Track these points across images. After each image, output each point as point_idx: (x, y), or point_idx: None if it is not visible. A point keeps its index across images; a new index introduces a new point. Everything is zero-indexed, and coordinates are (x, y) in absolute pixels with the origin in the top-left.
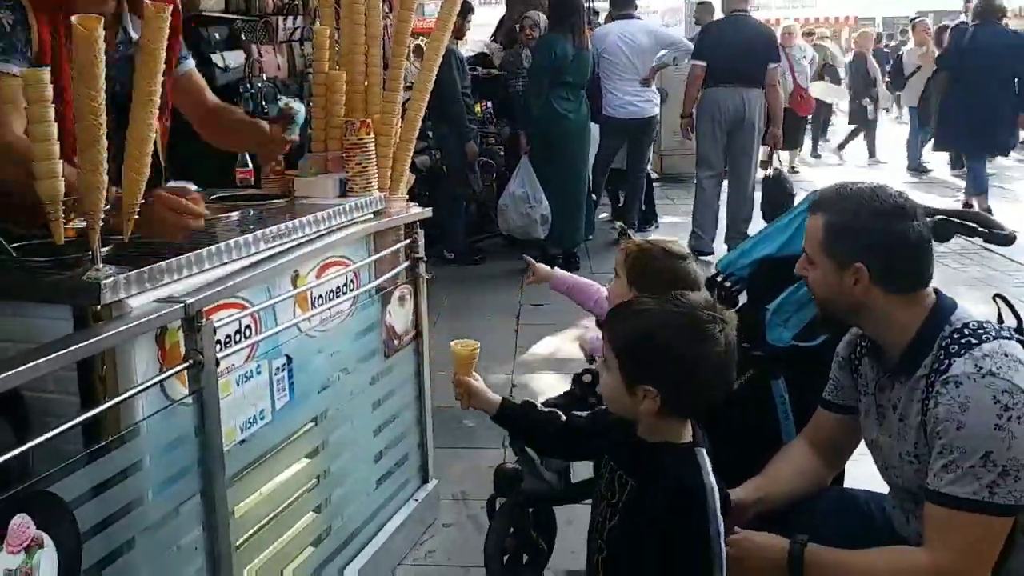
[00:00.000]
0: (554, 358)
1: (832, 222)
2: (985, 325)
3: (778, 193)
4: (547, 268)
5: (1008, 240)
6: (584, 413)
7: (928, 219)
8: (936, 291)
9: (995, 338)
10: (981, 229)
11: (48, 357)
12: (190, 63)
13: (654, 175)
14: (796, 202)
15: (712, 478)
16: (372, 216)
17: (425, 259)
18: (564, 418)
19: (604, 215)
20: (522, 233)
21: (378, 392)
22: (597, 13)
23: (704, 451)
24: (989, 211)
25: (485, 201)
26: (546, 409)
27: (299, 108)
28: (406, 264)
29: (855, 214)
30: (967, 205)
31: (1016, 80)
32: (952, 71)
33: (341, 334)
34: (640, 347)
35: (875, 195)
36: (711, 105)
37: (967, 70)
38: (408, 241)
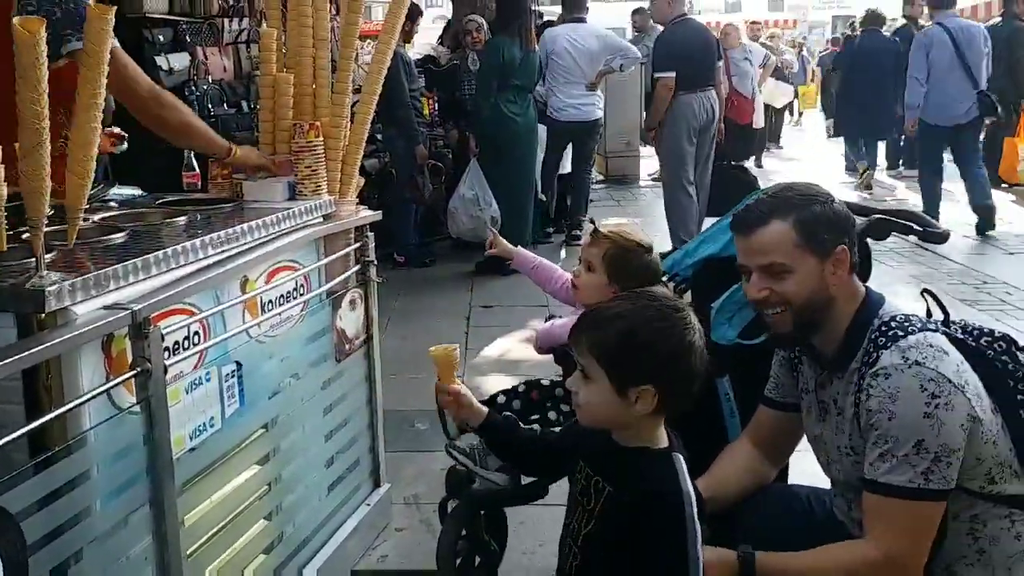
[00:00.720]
0: (505, 359)
1: (805, 217)
2: (911, 318)
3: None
4: (509, 245)
5: (942, 238)
6: (557, 430)
7: (865, 218)
8: (866, 287)
9: (920, 330)
10: (916, 228)
11: None
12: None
13: (599, 177)
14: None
15: (690, 484)
16: (322, 220)
17: (375, 262)
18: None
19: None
20: (472, 235)
21: (329, 397)
22: (542, 16)
23: (681, 457)
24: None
25: (434, 204)
26: (527, 428)
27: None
28: (356, 268)
29: (821, 204)
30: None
31: (895, 76)
32: (844, 70)
33: (291, 339)
34: (627, 349)
35: (814, 188)
36: (685, 111)
37: (855, 69)
38: (358, 244)
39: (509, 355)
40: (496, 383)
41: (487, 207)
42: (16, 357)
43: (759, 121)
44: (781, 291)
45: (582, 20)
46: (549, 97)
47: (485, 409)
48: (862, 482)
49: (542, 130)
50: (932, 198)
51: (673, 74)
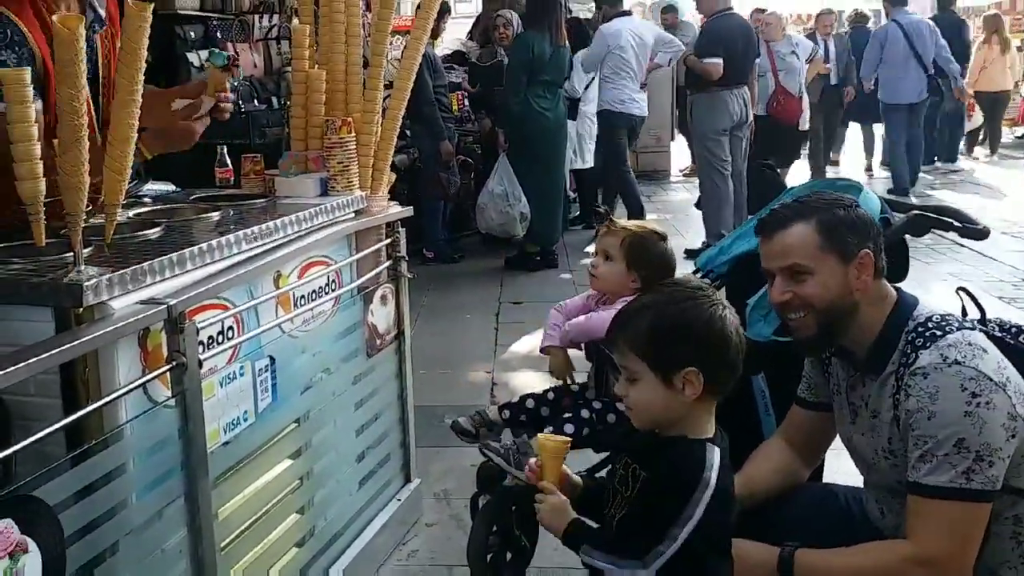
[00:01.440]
0: (533, 356)
1: (827, 220)
2: (948, 317)
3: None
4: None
5: (982, 234)
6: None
7: (903, 215)
8: (897, 289)
9: (958, 329)
10: (956, 224)
11: (30, 360)
12: None
13: None
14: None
15: (714, 474)
16: (353, 215)
17: (406, 258)
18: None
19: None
20: (501, 231)
21: (360, 392)
22: (571, 11)
23: (716, 449)
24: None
25: (463, 199)
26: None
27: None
28: (388, 263)
29: (844, 208)
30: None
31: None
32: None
33: (323, 334)
34: (669, 334)
35: (839, 194)
36: (722, 107)
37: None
38: (389, 240)
39: (537, 351)
40: (525, 379)
41: (516, 203)
42: (55, 351)
43: (806, 122)
44: (803, 294)
45: (630, 13)
46: (608, 91)
47: (568, 519)
48: (904, 484)
49: (571, 125)
50: (900, 172)
51: (721, 61)
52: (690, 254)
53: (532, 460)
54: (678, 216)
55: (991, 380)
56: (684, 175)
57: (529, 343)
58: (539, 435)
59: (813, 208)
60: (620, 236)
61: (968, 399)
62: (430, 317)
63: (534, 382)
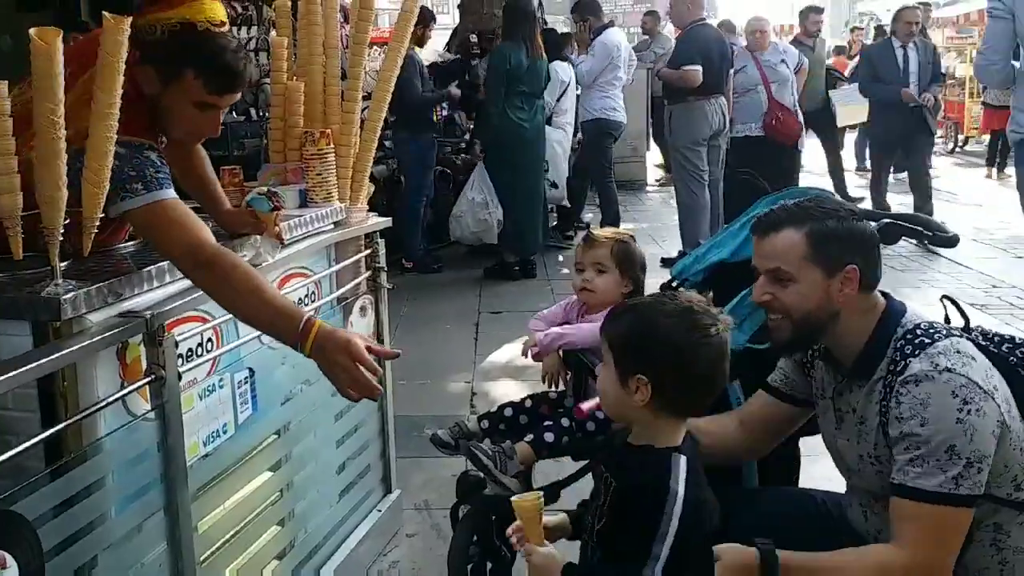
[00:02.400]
0: (513, 365)
1: (818, 230)
2: (936, 325)
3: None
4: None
5: (952, 242)
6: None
7: (874, 222)
8: (885, 295)
9: (947, 336)
10: (926, 232)
11: (8, 375)
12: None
13: None
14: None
15: (681, 485)
16: (333, 227)
17: (385, 268)
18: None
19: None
20: (475, 239)
21: (340, 403)
22: (547, 23)
23: (683, 457)
24: None
25: (441, 210)
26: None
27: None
28: (367, 274)
29: (837, 219)
30: None
31: None
32: None
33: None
34: (635, 338)
35: (834, 202)
36: (699, 116)
37: None
38: (369, 251)
39: (518, 361)
40: (505, 388)
41: (495, 210)
42: (32, 365)
43: (803, 141)
44: (782, 299)
45: (613, 24)
46: (599, 99)
47: (562, 562)
48: (890, 487)
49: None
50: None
51: (700, 68)
52: (666, 263)
53: (511, 527)
54: (654, 225)
55: (981, 388)
56: (660, 184)
57: (509, 352)
58: (512, 498)
59: (808, 216)
60: (608, 246)
61: (960, 406)
62: (410, 327)
63: (514, 391)
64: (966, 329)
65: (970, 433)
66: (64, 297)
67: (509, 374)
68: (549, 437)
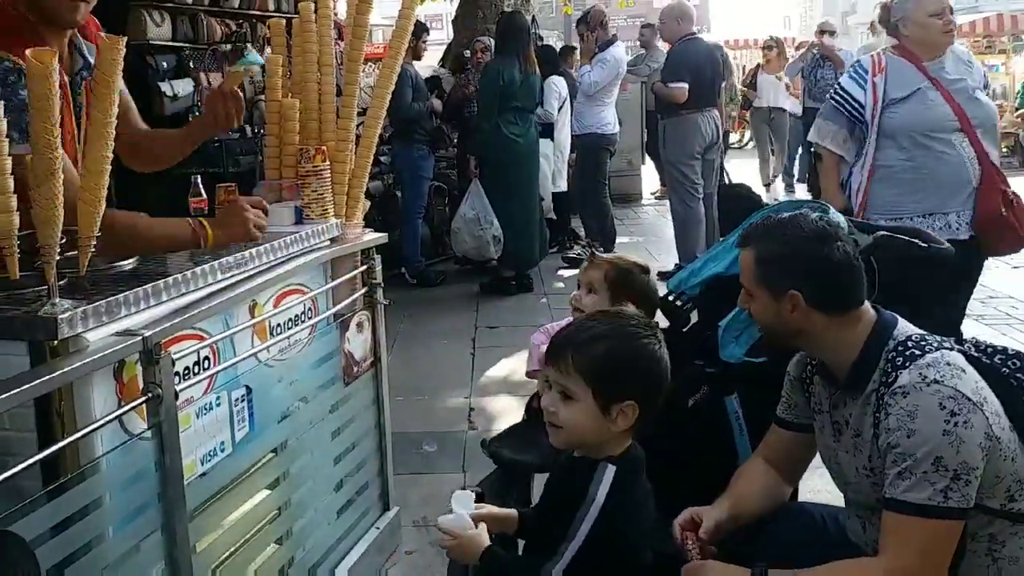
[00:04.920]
0: (510, 380)
1: (761, 254)
2: (927, 337)
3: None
4: None
5: (947, 254)
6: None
7: (869, 236)
8: (876, 308)
9: (937, 349)
10: (920, 244)
11: (4, 395)
12: None
13: None
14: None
15: (602, 493)
16: (329, 243)
17: (382, 284)
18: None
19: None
20: (476, 254)
21: (338, 420)
22: (542, 39)
23: (611, 467)
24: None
25: (438, 225)
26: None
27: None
28: (363, 290)
29: (783, 243)
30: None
31: None
32: None
33: (300, 363)
34: (614, 367)
35: (797, 222)
36: (693, 129)
37: None
38: (365, 267)
39: (515, 376)
40: (503, 404)
41: (488, 227)
42: (29, 385)
43: None
44: (751, 310)
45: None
46: (595, 114)
47: (484, 545)
48: (881, 501)
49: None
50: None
51: (686, 85)
52: (662, 276)
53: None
54: (650, 239)
55: (969, 400)
56: (656, 198)
57: (506, 367)
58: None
59: (763, 236)
60: (603, 270)
61: (947, 418)
62: (406, 344)
63: (512, 406)
64: (958, 341)
65: (957, 445)
66: (61, 316)
67: (507, 389)
68: None
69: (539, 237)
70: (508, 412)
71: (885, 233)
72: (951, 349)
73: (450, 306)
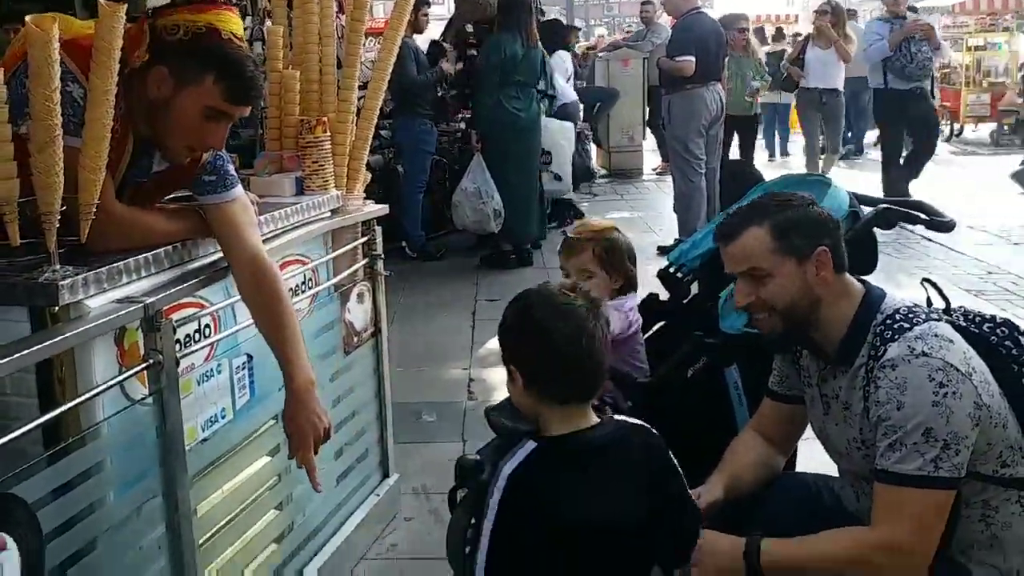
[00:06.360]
0: None
1: (779, 223)
2: (915, 309)
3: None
4: None
5: (948, 227)
6: None
7: (872, 208)
8: (864, 282)
9: (925, 321)
10: (923, 217)
11: (7, 359)
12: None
13: (601, 171)
14: None
15: (510, 466)
16: (329, 214)
17: (383, 256)
18: None
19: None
20: (477, 228)
21: (338, 389)
22: (543, 13)
23: (530, 443)
24: None
25: (440, 199)
26: None
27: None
28: (364, 261)
29: (794, 208)
30: None
31: None
32: None
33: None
34: (506, 330)
35: (791, 193)
36: (698, 104)
37: None
38: (365, 238)
39: None
40: (502, 375)
41: (489, 200)
42: (31, 350)
43: None
44: (764, 296)
45: None
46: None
47: None
48: (873, 472)
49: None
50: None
51: (693, 59)
52: (662, 251)
53: None
54: (650, 213)
55: (958, 370)
56: (657, 174)
57: None
58: None
59: (764, 211)
60: (589, 249)
61: (936, 389)
62: (407, 316)
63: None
64: (947, 311)
65: (946, 415)
66: (62, 283)
67: None
68: None
69: (539, 212)
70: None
71: (887, 206)
72: (939, 320)
73: (450, 279)
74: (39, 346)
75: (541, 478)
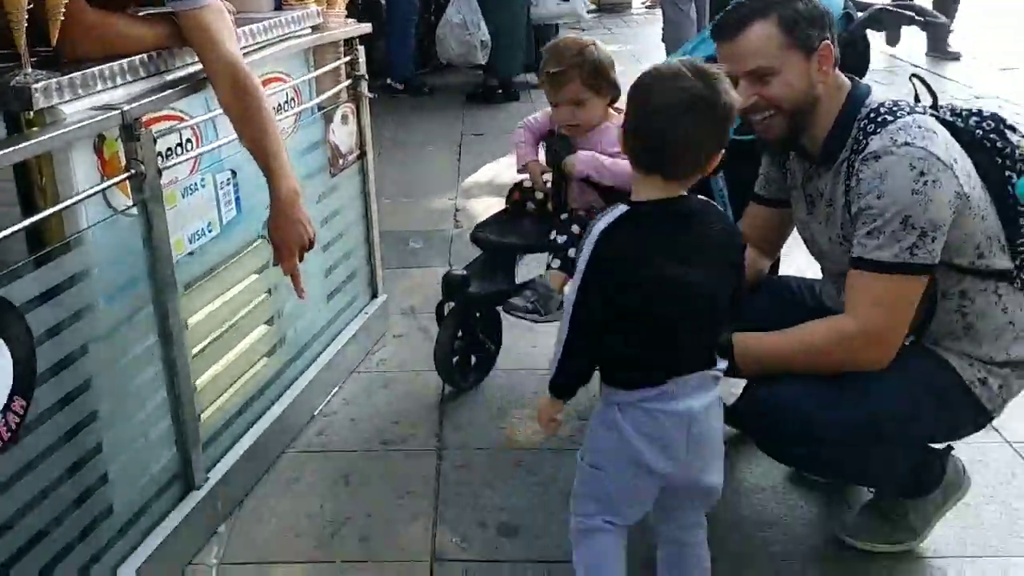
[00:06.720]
0: (495, 183)
1: (788, 15)
2: (900, 103)
3: None
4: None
5: (943, 29)
6: None
7: (865, 10)
8: (851, 77)
9: (909, 113)
10: (917, 18)
11: None
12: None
13: (591, 6)
14: None
15: (602, 223)
16: (310, 31)
17: (366, 77)
18: None
19: None
20: (462, 61)
21: (324, 210)
22: None
23: (621, 206)
24: None
25: (426, 34)
26: None
27: None
28: (347, 82)
29: (801, 2)
30: None
31: None
32: None
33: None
34: (629, 97)
35: None
36: None
37: None
38: (349, 58)
39: (499, 179)
40: (487, 204)
41: (476, 31)
42: (6, 151)
43: None
44: (769, 95)
45: None
46: None
47: None
48: (850, 261)
49: None
50: None
51: None
52: None
53: None
54: (639, 47)
55: (939, 160)
56: (646, 8)
57: (491, 171)
58: None
59: (770, 4)
60: (576, 77)
61: (916, 178)
62: (393, 150)
63: (496, 207)
64: (934, 107)
65: (925, 203)
66: (35, 86)
67: (490, 191)
68: (573, 253)
69: (526, 46)
70: (490, 212)
71: (881, 7)
72: (923, 113)
73: (436, 114)
74: (14, 147)
75: (628, 234)
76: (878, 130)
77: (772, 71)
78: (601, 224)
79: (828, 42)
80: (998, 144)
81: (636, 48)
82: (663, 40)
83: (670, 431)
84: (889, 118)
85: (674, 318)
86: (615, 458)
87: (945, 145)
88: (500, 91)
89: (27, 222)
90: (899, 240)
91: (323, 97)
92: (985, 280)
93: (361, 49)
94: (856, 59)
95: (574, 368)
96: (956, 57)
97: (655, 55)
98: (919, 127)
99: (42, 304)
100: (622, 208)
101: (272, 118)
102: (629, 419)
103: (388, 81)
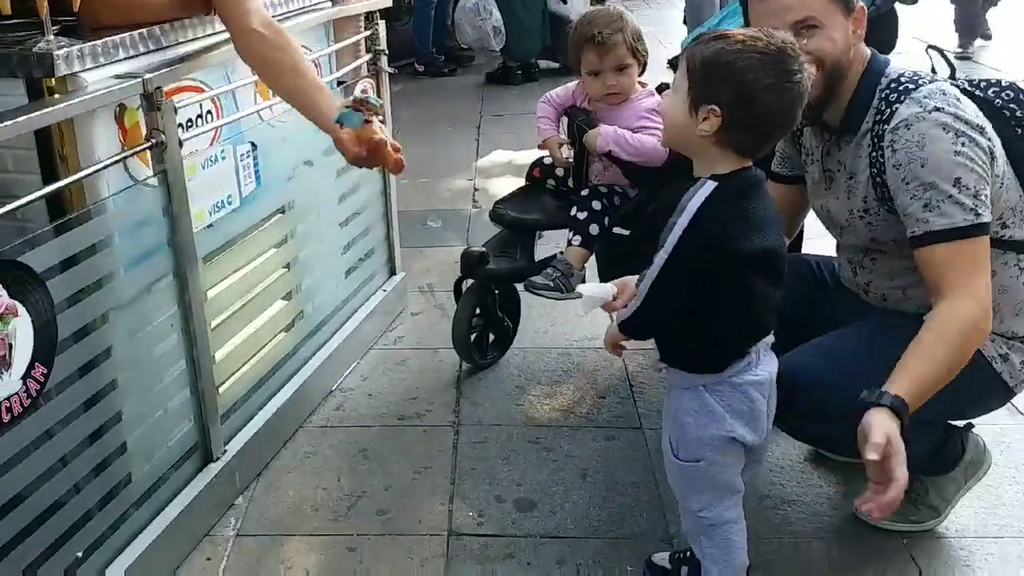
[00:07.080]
0: (514, 164)
1: None
2: (920, 72)
3: None
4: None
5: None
6: None
7: None
8: (871, 48)
9: (931, 82)
10: None
11: (5, 123)
12: None
13: None
14: None
15: (695, 202)
16: (330, 3)
17: (386, 51)
18: None
19: None
20: (478, 45)
21: (343, 186)
22: None
23: (710, 182)
24: None
25: (442, 17)
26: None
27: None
28: (367, 57)
29: None
30: None
31: None
32: None
33: (304, 125)
34: (718, 68)
35: None
36: None
37: None
38: (368, 32)
39: (518, 160)
40: (506, 184)
41: (488, 17)
42: (27, 116)
43: None
44: (813, 48)
45: None
46: None
47: None
48: (913, 241)
49: None
50: None
51: None
52: (672, 64)
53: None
54: (660, 28)
55: (969, 122)
56: None
57: (510, 152)
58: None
59: None
60: (623, 43)
61: (953, 139)
62: (412, 130)
63: (512, 186)
64: (952, 77)
65: (969, 164)
66: (57, 52)
67: (508, 171)
68: (594, 229)
69: (542, 30)
70: (508, 191)
71: None
72: (944, 82)
73: (456, 96)
74: (36, 113)
75: (723, 208)
76: (903, 98)
77: (818, 23)
78: (694, 203)
79: (863, 5)
80: (1017, 113)
81: (657, 29)
82: (684, 22)
83: (757, 403)
84: (912, 87)
85: (773, 287)
86: (710, 442)
87: (974, 109)
88: (519, 72)
89: (48, 189)
90: (959, 203)
91: (343, 71)
92: (1007, 252)
93: (382, 24)
94: (885, 33)
95: (645, 329)
96: (987, 37)
97: (677, 35)
98: (944, 93)
99: (63, 272)
100: (710, 184)
101: (305, 59)
102: (717, 397)
103: (412, 61)
